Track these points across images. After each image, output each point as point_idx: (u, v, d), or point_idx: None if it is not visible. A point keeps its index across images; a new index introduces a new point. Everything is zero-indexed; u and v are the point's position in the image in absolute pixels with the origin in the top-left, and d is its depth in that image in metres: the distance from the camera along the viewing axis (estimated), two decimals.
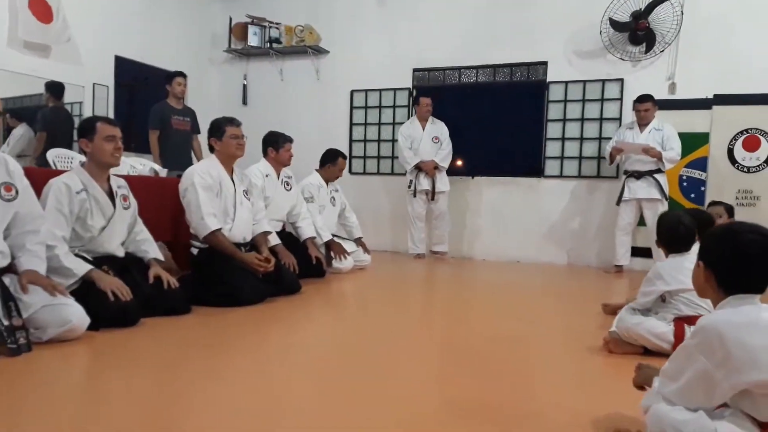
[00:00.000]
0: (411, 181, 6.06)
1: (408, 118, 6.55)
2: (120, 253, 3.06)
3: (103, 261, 2.90)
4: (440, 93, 6.28)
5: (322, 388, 2.08)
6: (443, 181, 6.06)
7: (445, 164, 6.03)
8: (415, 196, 6.03)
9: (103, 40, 5.83)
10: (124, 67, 6.08)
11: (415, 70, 6.58)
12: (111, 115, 5.75)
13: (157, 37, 6.47)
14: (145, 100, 5.82)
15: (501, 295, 4.36)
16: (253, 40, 6.94)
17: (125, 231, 3.11)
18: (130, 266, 3.02)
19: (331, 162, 5.08)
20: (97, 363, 2.38)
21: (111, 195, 3.00)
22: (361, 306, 3.96)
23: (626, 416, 1.74)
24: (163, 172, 4.55)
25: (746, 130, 5.46)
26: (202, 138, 4.59)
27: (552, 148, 6.13)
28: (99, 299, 2.68)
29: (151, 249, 3.20)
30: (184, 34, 6.91)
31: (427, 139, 6.03)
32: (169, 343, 2.62)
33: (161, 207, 3.96)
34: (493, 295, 4.38)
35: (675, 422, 1.37)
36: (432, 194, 6.00)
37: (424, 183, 6.01)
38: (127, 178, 3.42)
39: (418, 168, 5.99)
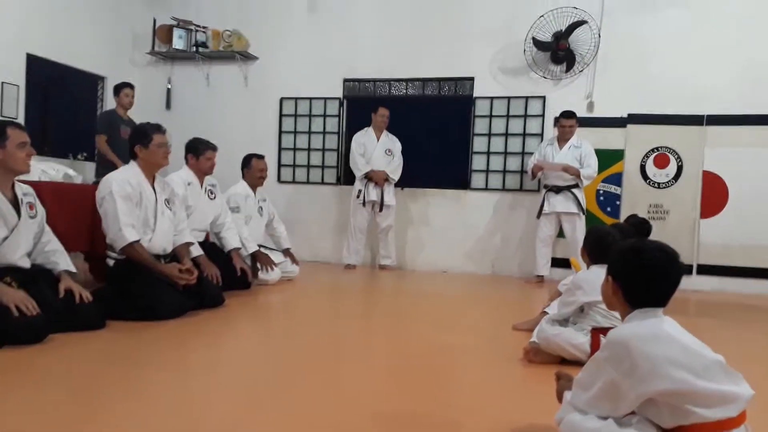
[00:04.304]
0: (360, 190, 6.04)
1: (339, 128, 6.58)
2: (25, 264, 2.86)
3: (5, 272, 2.71)
4: (370, 104, 6.31)
5: (246, 404, 2.03)
6: (390, 195, 6.09)
7: (395, 176, 6.08)
8: (364, 205, 6.02)
9: (14, 36, 5.48)
10: (37, 67, 5.74)
11: (345, 80, 6.60)
12: (21, 117, 5.44)
13: (74, 35, 6.15)
14: (62, 101, 5.54)
15: (428, 305, 4.41)
16: (178, 43, 6.75)
17: (31, 241, 2.91)
18: (37, 278, 2.84)
19: (246, 167, 4.97)
20: (0, 382, 2.22)
21: (15, 203, 2.82)
22: (288, 319, 3.89)
23: (542, 425, 1.80)
24: (78, 179, 4.33)
25: (657, 148, 5.81)
26: None
27: (478, 162, 6.29)
28: (1, 314, 2.49)
29: (62, 260, 3.01)
30: (103, 33, 6.60)
31: (380, 151, 6.06)
32: (81, 361, 2.48)
33: (76, 215, 3.77)
34: (420, 305, 4.42)
35: (586, 430, 1.42)
36: (380, 206, 6.01)
37: (373, 194, 6.02)
38: (39, 185, 3.23)
39: (368, 178, 6.00)
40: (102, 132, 5.53)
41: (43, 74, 5.82)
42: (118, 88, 5.68)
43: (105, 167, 5.29)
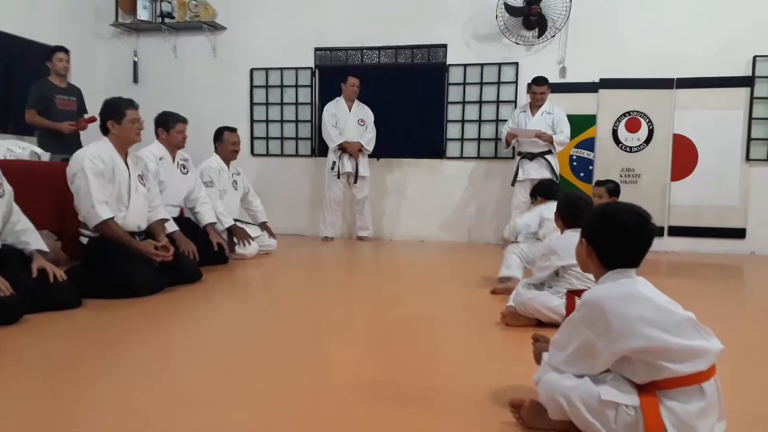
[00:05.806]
0: (334, 162, 5.99)
1: (311, 98, 6.50)
2: None
3: None
4: (343, 73, 6.23)
5: (226, 379, 2.04)
6: (365, 166, 6.05)
7: (370, 148, 6.04)
8: (339, 177, 5.98)
9: None
10: None
11: (316, 50, 6.49)
12: None
13: (33, 7, 5.93)
14: (24, 77, 5.33)
15: (406, 275, 4.45)
16: (142, 14, 6.55)
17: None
18: (8, 259, 2.78)
19: (218, 141, 4.90)
20: None
21: None
22: (266, 292, 3.89)
23: (520, 387, 1.84)
24: (45, 156, 4.22)
25: (628, 113, 5.87)
26: None
27: (452, 130, 6.29)
28: None
29: (33, 239, 2.95)
30: (63, 4, 6.37)
31: (353, 121, 6.00)
32: (57, 340, 2.45)
33: (45, 193, 3.70)
34: (398, 275, 4.45)
35: (563, 389, 1.46)
36: (355, 177, 5.98)
37: (347, 165, 5.97)
38: (4, 163, 3.14)
39: (342, 149, 5.94)
40: (31, 106, 5.02)
41: (3, 49, 5.61)
42: (50, 53, 5.13)
43: (45, 139, 5.00)
